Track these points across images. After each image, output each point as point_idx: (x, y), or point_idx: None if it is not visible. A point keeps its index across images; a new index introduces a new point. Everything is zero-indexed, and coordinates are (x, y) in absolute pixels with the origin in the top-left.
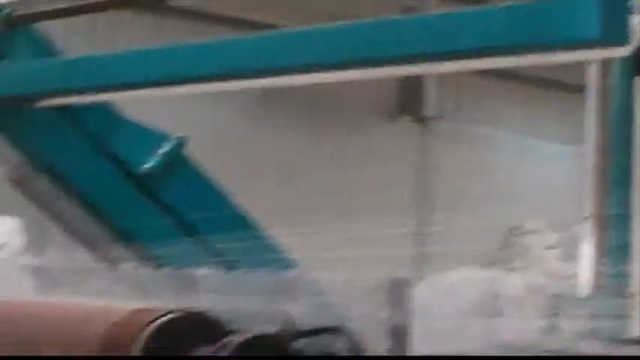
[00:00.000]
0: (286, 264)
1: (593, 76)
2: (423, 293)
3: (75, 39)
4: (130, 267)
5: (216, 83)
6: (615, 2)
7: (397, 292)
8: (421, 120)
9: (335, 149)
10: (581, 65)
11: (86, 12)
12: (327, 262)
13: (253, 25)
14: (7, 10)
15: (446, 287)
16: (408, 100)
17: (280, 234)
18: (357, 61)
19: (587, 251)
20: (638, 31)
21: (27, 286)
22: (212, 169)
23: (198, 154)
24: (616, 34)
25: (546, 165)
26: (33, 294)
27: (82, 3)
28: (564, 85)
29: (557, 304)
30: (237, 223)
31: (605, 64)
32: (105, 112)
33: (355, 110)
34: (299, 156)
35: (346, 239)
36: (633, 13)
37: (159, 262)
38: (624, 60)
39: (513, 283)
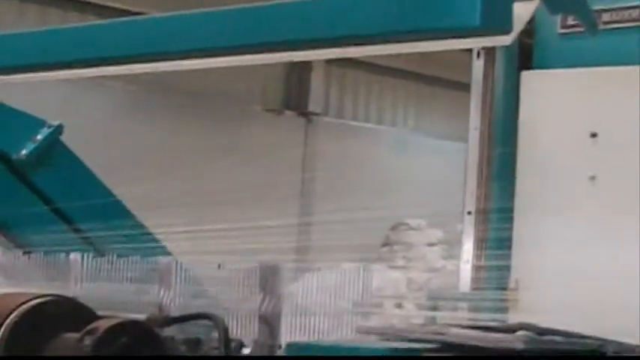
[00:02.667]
0: (162, 253)
1: (477, 69)
2: (302, 286)
3: None
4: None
5: (95, 68)
6: None
7: (269, 278)
8: (306, 114)
9: (221, 142)
10: (470, 62)
11: None
12: (208, 252)
13: (118, 13)
14: None
15: (326, 281)
16: (294, 95)
17: (164, 224)
18: (236, 47)
19: (468, 246)
20: (521, 19)
21: None
22: (90, 158)
23: (77, 143)
24: (498, 22)
25: (433, 160)
26: None
27: None
28: (453, 83)
29: (438, 299)
30: (113, 212)
31: (490, 57)
32: None
33: (242, 104)
34: (184, 148)
35: (228, 230)
36: (516, 0)
37: (32, 249)
38: (508, 53)
39: (395, 278)
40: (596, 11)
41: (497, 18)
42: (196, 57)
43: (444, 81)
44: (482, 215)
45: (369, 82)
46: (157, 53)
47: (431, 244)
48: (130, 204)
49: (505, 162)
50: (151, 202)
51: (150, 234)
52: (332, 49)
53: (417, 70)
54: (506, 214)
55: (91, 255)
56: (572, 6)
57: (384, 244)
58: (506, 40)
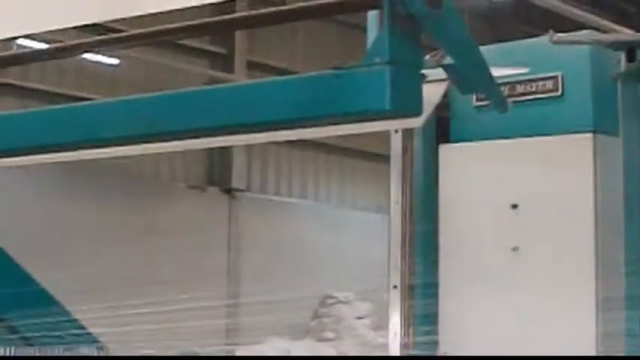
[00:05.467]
0: (90, 340)
1: (396, 144)
2: None
3: None
4: None
5: (22, 157)
6: (406, 74)
7: None
8: (229, 191)
9: (145, 221)
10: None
11: None
12: (135, 336)
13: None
14: None
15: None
16: (217, 171)
17: (88, 308)
18: (163, 133)
19: (395, 320)
20: (431, 101)
21: None
22: (15, 242)
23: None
24: (408, 106)
25: (357, 233)
26: None
27: None
28: (374, 155)
29: None
30: (37, 300)
31: (408, 131)
32: None
33: (165, 182)
34: (109, 227)
35: (156, 312)
36: (425, 83)
37: None
38: (426, 127)
39: (325, 352)
40: (511, 83)
41: (406, 101)
42: (114, 145)
43: (365, 153)
44: (408, 291)
45: (291, 157)
46: (76, 142)
47: (360, 317)
48: (54, 290)
49: (428, 236)
50: (75, 287)
51: (75, 321)
52: (249, 135)
53: (339, 143)
54: (431, 289)
55: (13, 348)
56: (481, 86)
57: (314, 317)
58: (416, 122)
